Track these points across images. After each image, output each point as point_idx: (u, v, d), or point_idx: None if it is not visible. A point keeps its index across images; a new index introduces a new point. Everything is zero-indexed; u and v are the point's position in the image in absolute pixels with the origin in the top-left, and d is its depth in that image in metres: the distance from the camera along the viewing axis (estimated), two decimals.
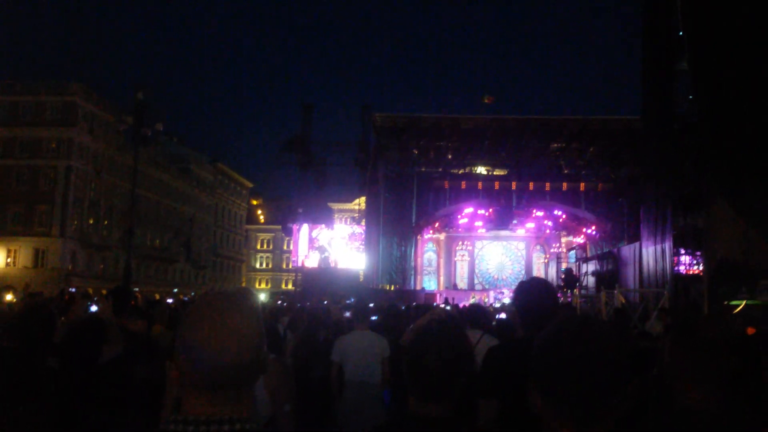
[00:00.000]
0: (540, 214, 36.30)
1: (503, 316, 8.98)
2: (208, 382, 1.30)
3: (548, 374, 1.36)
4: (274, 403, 3.27)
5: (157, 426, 3.69)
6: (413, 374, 2.02)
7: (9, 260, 48.23)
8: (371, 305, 9.25)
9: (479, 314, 5.70)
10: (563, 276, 26.28)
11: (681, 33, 16.99)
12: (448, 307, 11.24)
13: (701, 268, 16.93)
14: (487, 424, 2.67)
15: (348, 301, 14.62)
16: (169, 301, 14.63)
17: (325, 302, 15.90)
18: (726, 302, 13.48)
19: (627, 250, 22.25)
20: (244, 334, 1.32)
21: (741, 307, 13.00)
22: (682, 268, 17.94)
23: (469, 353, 2.14)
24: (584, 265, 28.83)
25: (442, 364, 1.99)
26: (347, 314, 7.81)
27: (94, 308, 4.02)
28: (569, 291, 24.87)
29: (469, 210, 36.55)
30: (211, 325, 1.31)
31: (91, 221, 51.53)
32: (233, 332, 1.30)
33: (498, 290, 36.39)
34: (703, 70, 14.87)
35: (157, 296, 16.78)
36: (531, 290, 3.05)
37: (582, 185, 37.87)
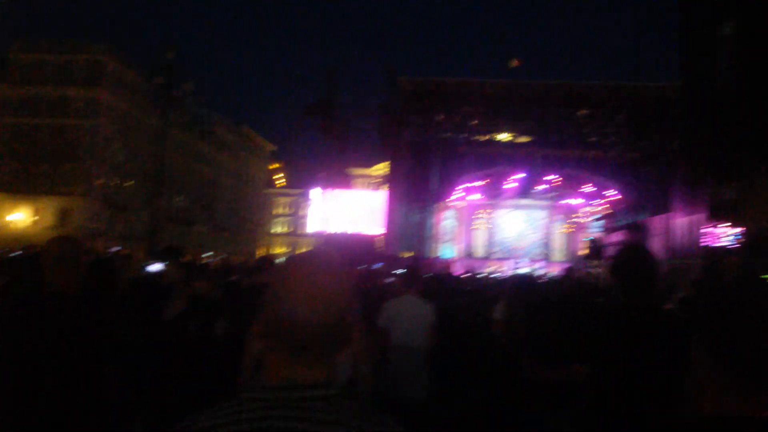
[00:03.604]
0: (563, 182, 35.92)
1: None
2: (292, 341, 1.30)
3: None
4: (355, 365, 3.26)
5: (228, 381, 3.70)
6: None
7: (35, 218, 48.86)
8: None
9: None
10: (588, 246, 26.08)
11: None
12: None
13: (733, 240, 16.68)
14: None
15: (375, 266, 14.61)
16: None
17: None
18: (759, 276, 13.30)
19: (656, 221, 21.97)
20: (334, 296, 1.32)
21: None
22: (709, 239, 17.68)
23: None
24: (610, 236, 28.56)
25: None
26: (389, 279, 7.80)
27: (153, 267, 4.01)
28: (595, 261, 24.71)
29: (491, 178, 36.27)
30: (303, 284, 1.31)
31: (115, 181, 51.92)
32: (321, 292, 1.31)
33: (515, 259, 36.28)
34: (750, 35, 14.39)
35: (188, 257, 16.80)
36: (634, 257, 3.03)
37: (608, 154, 37.36)
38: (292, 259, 1.40)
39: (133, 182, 53.56)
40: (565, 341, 1.97)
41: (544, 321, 1.99)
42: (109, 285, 3.72)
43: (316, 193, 37.99)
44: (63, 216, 48.87)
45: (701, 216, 17.08)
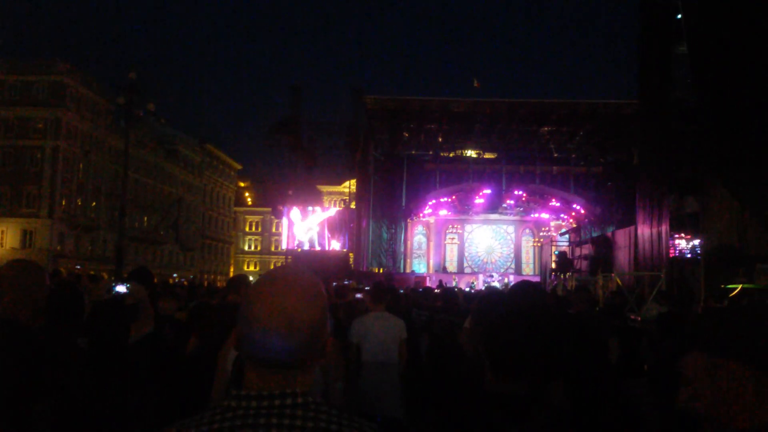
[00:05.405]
0: (529, 197, 36.44)
1: None
2: (259, 359, 1.31)
3: None
4: (326, 381, 3.25)
5: (201, 402, 3.65)
6: (493, 350, 2.01)
7: None
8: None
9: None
10: (556, 259, 26.40)
11: (679, 16, 17.00)
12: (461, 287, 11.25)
13: (697, 252, 17.07)
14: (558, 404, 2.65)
15: (345, 283, 14.60)
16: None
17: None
18: (722, 286, 13.61)
19: (621, 234, 22.35)
20: (300, 318, 1.30)
21: (737, 290, 13.14)
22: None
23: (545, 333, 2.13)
24: (577, 249, 28.97)
25: (523, 340, 1.99)
26: (358, 295, 7.80)
27: (119, 288, 3.94)
28: (563, 274, 25.02)
29: (458, 194, 36.62)
30: (266, 305, 1.30)
31: (78, 202, 51.06)
32: (288, 315, 1.29)
33: (487, 273, 36.57)
34: (702, 54, 14.88)
35: (155, 279, 16.60)
36: (528, 295, 3.10)
37: (572, 169, 38.04)
38: (262, 279, 1.38)
39: (94, 203, 52.73)
40: (524, 353, 1.96)
41: (504, 333, 1.98)
42: (74, 310, 3.65)
43: (285, 211, 37.82)
44: (26, 238, 47.89)
45: (665, 228, 17.45)
